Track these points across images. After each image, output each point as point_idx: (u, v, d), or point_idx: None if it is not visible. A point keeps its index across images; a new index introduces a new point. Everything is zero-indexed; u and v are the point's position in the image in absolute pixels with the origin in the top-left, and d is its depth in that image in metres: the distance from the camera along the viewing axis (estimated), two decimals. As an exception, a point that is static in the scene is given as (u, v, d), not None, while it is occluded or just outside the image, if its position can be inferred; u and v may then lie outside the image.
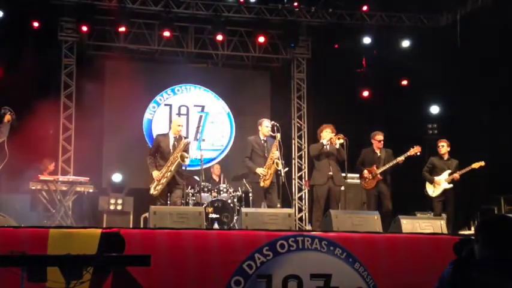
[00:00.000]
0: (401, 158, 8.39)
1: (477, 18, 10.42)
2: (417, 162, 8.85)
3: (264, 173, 7.65)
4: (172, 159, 7.58)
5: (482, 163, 8.42)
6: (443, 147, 8.69)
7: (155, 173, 7.57)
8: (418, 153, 8.51)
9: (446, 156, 8.69)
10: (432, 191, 8.64)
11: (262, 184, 7.67)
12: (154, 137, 11.71)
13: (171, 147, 7.69)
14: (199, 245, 5.22)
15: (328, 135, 8.00)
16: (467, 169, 8.49)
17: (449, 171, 8.57)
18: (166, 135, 7.93)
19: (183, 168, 7.77)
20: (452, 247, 5.64)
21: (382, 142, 8.60)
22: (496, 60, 9.62)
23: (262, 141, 7.91)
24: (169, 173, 7.55)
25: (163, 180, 7.55)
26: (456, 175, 8.48)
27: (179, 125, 7.95)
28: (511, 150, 9.32)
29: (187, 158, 7.64)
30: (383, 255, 5.64)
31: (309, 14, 11.62)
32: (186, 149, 7.68)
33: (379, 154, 8.59)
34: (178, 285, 5.09)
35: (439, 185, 8.57)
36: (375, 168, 8.47)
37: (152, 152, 7.86)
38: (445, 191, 8.54)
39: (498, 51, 9.56)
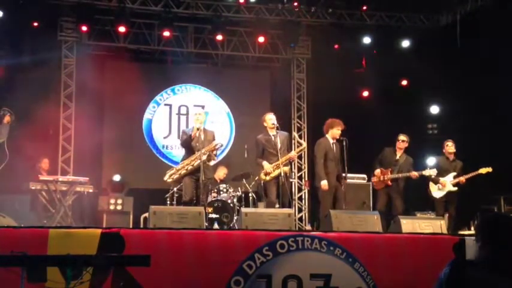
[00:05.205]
0: (415, 174, 8.28)
1: (477, 18, 10.42)
2: (418, 162, 8.84)
3: (270, 170, 7.64)
4: (198, 156, 7.61)
5: (490, 169, 8.33)
6: (450, 147, 8.61)
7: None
8: (433, 176, 8.40)
9: (452, 157, 8.63)
10: (437, 192, 8.56)
11: (263, 177, 7.68)
12: (153, 136, 11.82)
13: (196, 140, 7.72)
14: (199, 245, 5.22)
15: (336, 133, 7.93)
16: (473, 174, 8.41)
17: (454, 173, 8.51)
18: (191, 129, 7.95)
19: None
20: (452, 247, 5.65)
21: (404, 143, 8.51)
22: (496, 60, 9.61)
23: (272, 137, 7.79)
24: (190, 167, 7.65)
25: (182, 172, 7.68)
26: (462, 179, 8.42)
27: (195, 113, 8.13)
28: (510, 150, 9.31)
29: (214, 160, 7.83)
30: (383, 255, 5.64)
31: (308, 14, 11.62)
32: (214, 150, 7.82)
33: (397, 157, 8.51)
34: (178, 285, 5.09)
35: (444, 186, 8.48)
36: (388, 172, 8.43)
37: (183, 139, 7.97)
38: (449, 193, 8.49)
39: (498, 51, 9.56)
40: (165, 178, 7.95)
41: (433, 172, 8.33)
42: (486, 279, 2.60)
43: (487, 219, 2.81)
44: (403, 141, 8.53)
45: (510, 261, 2.64)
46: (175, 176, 7.81)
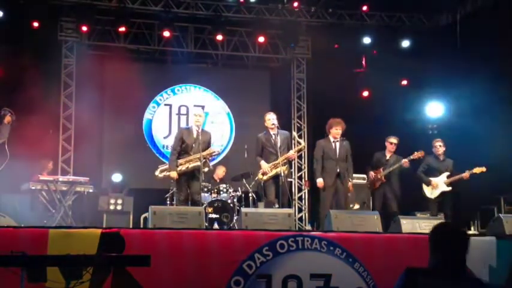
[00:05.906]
0: (405, 161, 8.35)
1: (477, 18, 10.42)
2: (417, 162, 8.83)
3: (267, 170, 7.64)
4: (193, 159, 7.63)
5: (484, 169, 8.27)
6: (440, 147, 8.58)
7: (173, 174, 7.64)
8: (421, 157, 8.48)
9: (442, 157, 8.59)
10: (430, 192, 8.52)
11: (260, 177, 7.71)
12: (153, 136, 11.82)
13: (193, 141, 7.73)
14: (199, 245, 5.23)
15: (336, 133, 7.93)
16: (467, 173, 8.38)
17: (447, 173, 8.46)
18: (189, 129, 7.95)
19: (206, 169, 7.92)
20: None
21: (394, 146, 8.59)
22: (496, 61, 9.61)
23: (273, 136, 7.79)
24: (184, 168, 7.63)
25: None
26: (466, 174, 8.31)
27: (195, 115, 8.11)
28: (510, 151, 9.30)
29: (208, 167, 7.90)
30: (383, 255, 5.64)
31: (308, 14, 11.63)
32: (211, 156, 7.95)
33: (388, 158, 8.61)
34: (178, 285, 5.09)
35: (436, 187, 8.44)
36: (381, 170, 8.52)
37: (175, 145, 7.84)
38: (443, 193, 8.45)
39: (498, 52, 9.55)
40: (156, 173, 8.05)
41: (420, 154, 8.40)
42: (433, 284, 2.80)
43: (434, 229, 3.02)
44: (393, 143, 8.62)
45: (451, 265, 2.86)
46: (167, 173, 7.84)
